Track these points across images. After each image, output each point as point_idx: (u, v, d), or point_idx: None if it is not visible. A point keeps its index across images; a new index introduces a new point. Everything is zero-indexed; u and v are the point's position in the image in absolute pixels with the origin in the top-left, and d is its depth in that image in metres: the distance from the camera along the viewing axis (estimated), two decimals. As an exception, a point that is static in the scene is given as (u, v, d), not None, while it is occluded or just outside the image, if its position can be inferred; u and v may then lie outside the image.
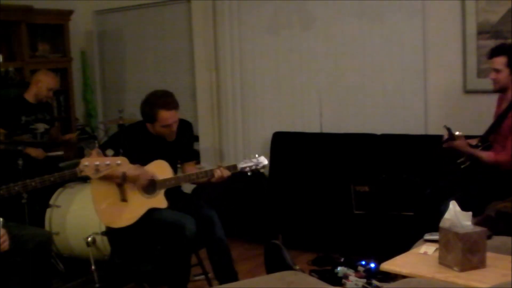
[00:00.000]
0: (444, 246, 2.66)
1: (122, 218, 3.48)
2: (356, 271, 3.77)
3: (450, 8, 4.46)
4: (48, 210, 4.33)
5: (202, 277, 3.86)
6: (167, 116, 3.50)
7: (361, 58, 4.92)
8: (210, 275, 3.78)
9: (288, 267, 3.40)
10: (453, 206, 2.71)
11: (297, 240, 4.51)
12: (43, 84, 4.75)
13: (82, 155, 3.77)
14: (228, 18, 5.42)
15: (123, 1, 6.17)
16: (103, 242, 4.00)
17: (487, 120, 3.76)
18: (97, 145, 5.20)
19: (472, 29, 4.38)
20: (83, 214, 4.14)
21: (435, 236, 2.85)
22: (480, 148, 3.66)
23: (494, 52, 3.66)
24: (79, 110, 6.42)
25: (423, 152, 4.47)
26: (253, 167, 3.62)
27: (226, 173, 3.53)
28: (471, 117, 4.35)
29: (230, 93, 5.50)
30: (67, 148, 4.94)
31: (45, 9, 5.75)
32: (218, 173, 3.49)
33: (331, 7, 4.99)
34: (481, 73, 4.33)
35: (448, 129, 3.68)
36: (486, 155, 3.59)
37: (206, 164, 5.39)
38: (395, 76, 4.80)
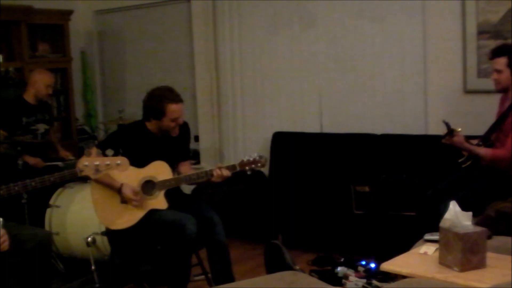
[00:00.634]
0: (444, 246, 2.66)
1: (122, 220, 3.48)
2: (356, 271, 3.77)
3: (450, 8, 4.46)
4: (48, 210, 4.33)
5: (202, 277, 3.86)
6: (176, 109, 3.53)
7: (361, 58, 4.93)
8: (210, 275, 3.78)
9: (288, 267, 3.40)
10: (453, 206, 2.72)
11: (297, 240, 4.51)
12: (40, 83, 4.76)
13: (82, 156, 3.76)
14: (228, 18, 5.42)
15: (123, 1, 6.17)
16: (103, 242, 4.00)
17: (487, 120, 3.77)
18: (96, 142, 5.21)
19: (472, 29, 4.39)
20: (83, 214, 4.14)
21: (435, 236, 2.85)
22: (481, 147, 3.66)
23: (495, 53, 3.67)
24: (79, 110, 6.42)
25: (423, 152, 4.47)
26: (253, 167, 3.61)
27: (226, 172, 3.52)
28: (471, 117, 4.35)
29: (230, 93, 5.50)
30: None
31: (45, 9, 5.75)
32: (217, 173, 3.49)
33: (331, 7, 4.99)
34: (481, 73, 4.33)
35: (447, 124, 3.69)
36: (484, 152, 3.60)
37: (206, 164, 5.39)
38: (395, 76, 4.80)
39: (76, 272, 4.19)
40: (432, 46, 4.59)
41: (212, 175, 3.50)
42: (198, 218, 3.49)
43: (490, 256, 2.66)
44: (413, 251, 2.94)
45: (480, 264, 2.60)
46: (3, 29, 5.52)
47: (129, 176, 3.36)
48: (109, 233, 3.74)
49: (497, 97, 3.80)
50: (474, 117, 4.28)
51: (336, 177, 4.78)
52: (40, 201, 4.36)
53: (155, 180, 3.52)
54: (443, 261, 2.67)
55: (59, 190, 4.40)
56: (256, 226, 4.76)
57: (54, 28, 5.98)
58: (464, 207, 2.72)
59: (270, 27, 5.33)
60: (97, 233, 3.98)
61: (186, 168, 3.77)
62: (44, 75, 4.85)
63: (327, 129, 5.16)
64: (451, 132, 3.64)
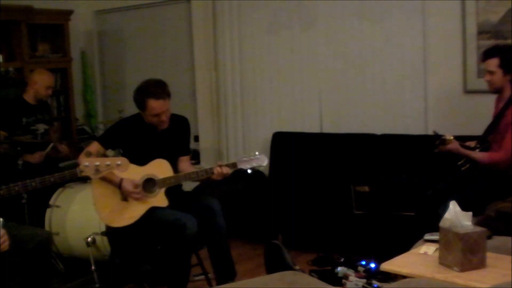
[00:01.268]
0: (444, 246, 2.66)
1: (122, 217, 3.49)
2: (356, 271, 3.77)
3: (450, 8, 4.47)
4: (48, 210, 4.33)
5: (202, 277, 3.86)
6: (155, 106, 3.50)
7: (361, 58, 4.92)
8: (210, 275, 3.78)
9: (288, 267, 3.40)
10: (453, 206, 2.71)
11: (297, 240, 4.51)
12: (39, 84, 4.77)
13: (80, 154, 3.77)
14: (228, 18, 5.42)
15: (123, 1, 6.17)
16: (103, 242, 4.00)
17: (487, 120, 3.77)
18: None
19: (472, 29, 4.39)
20: (83, 214, 4.14)
21: (435, 236, 2.85)
22: (478, 149, 3.67)
23: (487, 54, 3.68)
24: (79, 110, 6.42)
25: (423, 152, 4.47)
26: (254, 165, 3.62)
27: (226, 170, 3.52)
28: (471, 117, 4.35)
29: (230, 93, 5.50)
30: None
31: (45, 9, 5.75)
32: (218, 170, 3.49)
33: (331, 7, 4.99)
34: (481, 73, 4.32)
35: (436, 134, 3.70)
36: (481, 156, 3.60)
37: (206, 164, 5.39)
38: (395, 76, 4.80)
39: (76, 272, 4.19)
40: (432, 46, 4.59)
41: (212, 172, 3.50)
42: (198, 206, 3.49)
43: (490, 256, 2.66)
44: (413, 251, 2.94)
45: (480, 264, 2.60)
46: (3, 29, 5.52)
47: (129, 174, 3.36)
48: (109, 233, 3.74)
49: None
50: (474, 117, 4.28)
51: (336, 177, 4.78)
52: (40, 201, 4.36)
53: (155, 178, 3.52)
54: (443, 261, 2.67)
55: (59, 190, 4.40)
56: (256, 226, 4.76)
57: (54, 28, 5.98)
58: (464, 207, 2.71)
59: (270, 27, 5.33)
60: (97, 233, 3.98)
61: (186, 165, 3.77)
62: (44, 76, 4.85)
63: (327, 129, 5.16)
64: (442, 141, 3.64)
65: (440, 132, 3.77)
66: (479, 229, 2.65)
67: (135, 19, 6.27)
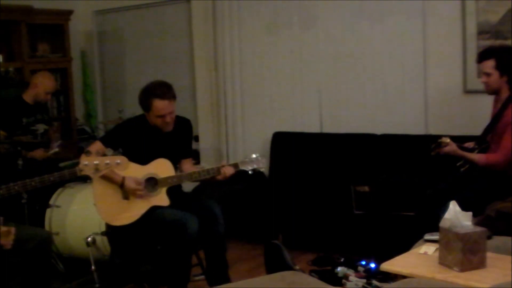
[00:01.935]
0: (444, 246, 2.66)
1: (123, 216, 3.49)
2: (356, 271, 3.77)
3: (450, 8, 4.47)
4: (48, 210, 4.33)
5: (202, 277, 3.85)
6: (161, 106, 3.50)
7: (361, 58, 4.92)
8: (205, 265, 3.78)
9: (288, 267, 3.39)
10: (453, 206, 2.71)
11: (297, 240, 4.51)
12: (40, 88, 4.77)
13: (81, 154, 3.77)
14: (228, 18, 5.42)
15: (123, 1, 6.17)
16: (103, 242, 4.00)
17: (487, 120, 3.77)
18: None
19: (472, 29, 4.39)
20: (83, 214, 4.14)
21: (435, 236, 2.85)
22: (477, 150, 3.67)
23: (482, 56, 3.67)
24: (79, 110, 6.42)
25: (423, 152, 4.46)
26: (255, 167, 3.63)
27: (230, 171, 3.53)
28: (471, 117, 4.35)
29: (230, 93, 5.50)
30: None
31: (45, 9, 5.75)
32: (223, 170, 3.50)
33: (331, 7, 4.99)
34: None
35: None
36: (478, 158, 3.60)
37: (206, 164, 5.39)
38: (395, 76, 4.79)
39: (76, 272, 4.19)
40: (432, 46, 4.59)
41: (214, 173, 3.51)
42: (200, 209, 3.49)
43: (490, 256, 2.65)
44: (413, 251, 2.94)
45: (480, 264, 2.60)
46: (3, 29, 5.52)
47: (131, 173, 3.36)
48: (109, 233, 3.74)
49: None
50: (474, 117, 4.28)
51: (336, 177, 4.78)
52: (40, 201, 4.36)
53: (157, 177, 3.52)
54: (443, 261, 2.66)
55: (59, 190, 4.41)
56: (256, 226, 4.76)
57: (54, 28, 5.98)
58: (464, 207, 2.71)
59: (270, 27, 5.33)
60: (97, 233, 3.98)
61: (188, 166, 3.77)
62: (47, 80, 4.84)
63: (327, 129, 5.15)
64: (438, 144, 3.63)
65: (440, 133, 3.77)
66: (479, 229, 2.65)
67: (135, 19, 6.27)
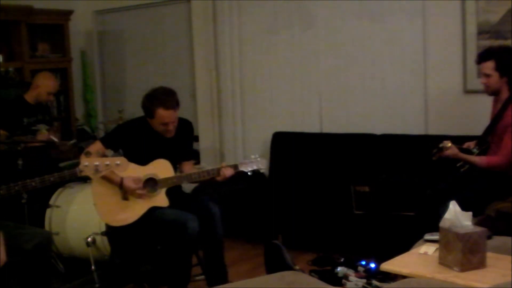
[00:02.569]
0: (444, 246, 2.66)
1: (123, 216, 3.49)
2: (356, 271, 3.77)
3: (450, 8, 4.46)
4: (48, 210, 4.33)
5: (202, 277, 3.85)
6: (165, 115, 3.51)
7: (361, 58, 4.92)
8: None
9: (288, 267, 3.40)
10: (453, 206, 2.71)
11: (297, 240, 4.51)
12: (42, 89, 4.77)
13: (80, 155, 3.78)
14: (228, 18, 5.42)
15: (123, 1, 6.17)
16: (103, 242, 4.00)
17: (487, 120, 3.77)
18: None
19: (472, 29, 4.39)
20: (83, 214, 4.14)
21: (435, 236, 2.85)
22: (477, 151, 3.67)
23: (482, 57, 3.67)
24: (79, 110, 6.43)
25: (423, 152, 4.46)
26: (254, 168, 3.64)
27: (230, 172, 3.53)
28: (471, 117, 4.35)
29: (230, 93, 5.50)
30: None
31: (45, 9, 5.75)
32: (223, 171, 3.51)
33: (331, 7, 4.99)
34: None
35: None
36: (479, 160, 3.60)
37: (206, 164, 5.39)
38: (395, 76, 4.79)
39: (76, 272, 4.19)
40: (432, 46, 4.59)
41: (215, 174, 3.52)
42: (199, 210, 3.49)
43: (490, 256, 2.65)
44: (413, 251, 2.94)
45: (480, 264, 2.60)
46: (3, 29, 5.52)
47: (130, 173, 3.36)
48: (109, 233, 3.74)
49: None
50: (474, 117, 4.28)
51: (336, 177, 4.78)
52: (40, 201, 4.36)
53: (157, 177, 3.52)
54: (443, 261, 2.67)
55: (59, 190, 4.41)
56: (256, 226, 4.76)
57: (54, 28, 5.99)
58: (464, 207, 2.71)
59: (270, 27, 5.33)
60: (97, 233, 3.98)
61: (189, 168, 3.77)
62: (48, 81, 4.84)
63: (327, 129, 5.16)
64: (440, 149, 3.63)
65: (440, 133, 3.77)
66: (479, 229, 2.65)
67: (135, 19, 6.28)
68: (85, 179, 4.26)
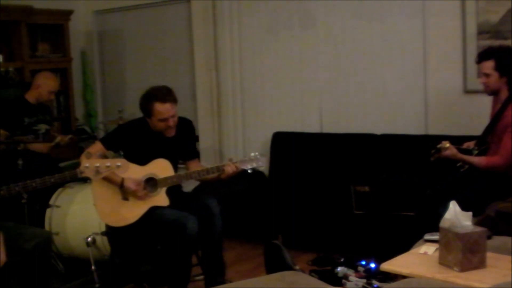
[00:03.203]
0: (444, 246, 2.66)
1: (123, 216, 3.49)
2: (356, 271, 3.77)
3: (450, 8, 4.46)
4: (48, 210, 4.33)
5: (202, 277, 3.85)
6: (163, 109, 3.49)
7: (361, 58, 4.92)
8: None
9: (288, 267, 3.40)
10: (453, 206, 2.72)
11: (297, 240, 4.51)
12: (43, 88, 4.78)
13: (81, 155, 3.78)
14: (228, 18, 5.42)
15: (123, 1, 6.17)
16: (103, 242, 4.00)
17: (487, 120, 3.77)
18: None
19: (472, 29, 4.39)
20: (83, 214, 4.14)
21: (435, 236, 2.85)
22: (476, 151, 3.67)
23: (482, 57, 3.67)
24: (79, 110, 6.42)
25: (423, 152, 4.46)
26: (254, 166, 3.63)
27: (233, 169, 3.53)
28: (471, 117, 4.35)
29: (230, 93, 5.50)
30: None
31: (45, 9, 5.75)
32: (227, 169, 3.50)
33: (331, 7, 4.99)
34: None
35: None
36: (478, 160, 3.60)
37: (206, 164, 5.38)
38: (395, 76, 4.79)
39: (76, 272, 4.19)
40: (432, 46, 4.59)
41: (215, 172, 3.51)
42: (198, 210, 3.49)
43: (490, 256, 2.66)
44: (413, 251, 2.94)
45: (480, 264, 2.60)
46: (3, 29, 5.52)
47: (131, 173, 3.36)
48: (109, 233, 3.74)
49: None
50: (474, 117, 4.28)
51: (336, 177, 4.78)
52: (40, 201, 4.36)
53: (156, 177, 3.52)
54: (443, 261, 2.67)
55: (59, 190, 4.40)
56: (256, 226, 4.76)
57: (54, 28, 5.99)
58: (464, 207, 2.72)
59: (270, 27, 5.33)
60: (97, 233, 3.98)
61: (195, 167, 3.75)
62: (50, 80, 4.85)
63: (327, 129, 5.16)
64: (438, 149, 3.63)
65: (440, 133, 3.77)
66: (479, 229, 2.65)
67: (135, 19, 6.28)
68: (85, 179, 4.26)
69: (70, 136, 4.85)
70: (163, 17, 6.07)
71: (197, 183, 4.28)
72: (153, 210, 3.50)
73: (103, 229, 3.82)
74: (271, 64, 5.37)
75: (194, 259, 3.74)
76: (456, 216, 2.68)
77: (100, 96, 6.65)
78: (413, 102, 4.73)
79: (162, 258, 3.61)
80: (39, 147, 4.59)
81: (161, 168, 3.56)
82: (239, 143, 5.55)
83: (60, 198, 4.35)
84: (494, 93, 3.68)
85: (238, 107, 5.52)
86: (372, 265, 3.77)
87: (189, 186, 4.45)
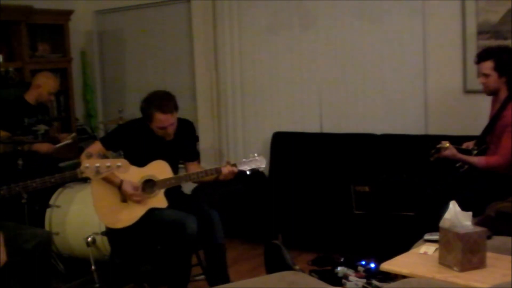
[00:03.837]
0: (444, 246, 2.66)
1: (122, 218, 3.49)
2: (356, 271, 3.78)
3: (450, 8, 4.47)
4: (48, 210, 4.33)
5: (202, 277, 3.86)
6: (162, 119, 3.51)
7: (361, 58, 4.92)
8: (204, 276, 3.78)
9: (288, 267, 3.40)
10: (453, 206, 2.72)
11: (297, 240, 4.51)
12: (43, 88, 4.78)
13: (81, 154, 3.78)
14: (228, 18, 5.42)
15: (123, 1, 6.16)
16: (103, 242, 4.00)
17: (487, 120, 3.77)
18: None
19: (472, 29, 4.39)
20: (83, 214, 4.14)
21: (435, 236, 2.85)
22: (476, 151, 3.67)
23: (481, 57, 3.67)
24: (79, 110, 6.42)
25: (423, 152, 4.46)
26: (253, 167, 3.62)
27: (230, 170, 3.52)
28: (471, 117, 4.35)
29: (230, 93, 5.50)
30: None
31: (45, 9, 5.75)
32: (225, 171, 3.50)
33: (331, 7, 4.99)
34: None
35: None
36: (477, 160, 3.60)
37: (206, 164, 5.38)
38: (395, 77, 4.80)
39: (76, 272, 4.19)
40: (432, 46, 4.59)
41: (214, 173, 3.51)
42: (198, 216, 3.49)
43: (490, 256, 2.66)
44: (413, 251, 2.94)
45: (480, 264, 2.60)
46: (3, 29, 5.52)
47: (129, 175, 3.35)
48: (109, 233, 3.74)
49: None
50: (474, 117, 4.28)
51: (336, 177, 4.79)
52: (40, 201, 4.36)
53: (155, 179, 3.52)
54: (443, 261, 2.67)
55: (59, 190, 4.41)
56: (256, 226, 4.76)
57: (54, 28, 5.98)
58: (464, 207, 2.72)
59: (270, 27, 5.33)
60: (97, 233, 3.98)
61: (194, 168, 3.75)
62: (50, 81, 4.84)
63: (327, 129, 5.16)
64: (437, 149, 3.63)
65: (440, 133, 3.78)
66: (479, 229, 2.66)
67: (135, 19, 6.27)
68: (86, 179, 4.26)
69: (73, 134, 4.86)
70: (163, 17, 6.07)
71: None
72: (153, 210, 3.50)
73: (103, 229, 3.82)
74: (271, 64, 5.36)
75: (194, 259, 3.74)
76: (456, 216, 2.68)
77: (100, 96, 6.64)
78: (413, 102, 4.73)
79: (162, 258, 3.61)
80: (44, 148, 4.59)
81: (159, 169, 3.56)
82: (239, 143, 5.55)
83: (60, 198, 4.35)
84: (493, 93, 3.69)
85: (238, 107, 5.52)
86: (372, 265, 3.78)
87: (188, 187, 4.45)
